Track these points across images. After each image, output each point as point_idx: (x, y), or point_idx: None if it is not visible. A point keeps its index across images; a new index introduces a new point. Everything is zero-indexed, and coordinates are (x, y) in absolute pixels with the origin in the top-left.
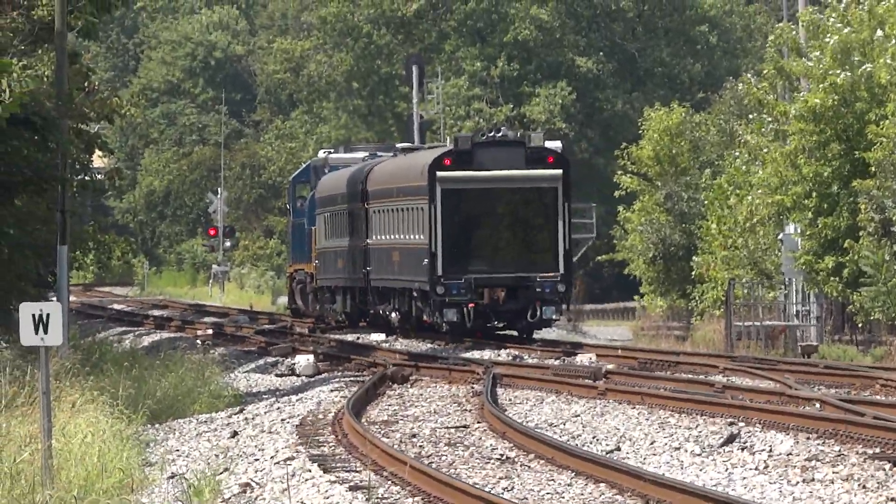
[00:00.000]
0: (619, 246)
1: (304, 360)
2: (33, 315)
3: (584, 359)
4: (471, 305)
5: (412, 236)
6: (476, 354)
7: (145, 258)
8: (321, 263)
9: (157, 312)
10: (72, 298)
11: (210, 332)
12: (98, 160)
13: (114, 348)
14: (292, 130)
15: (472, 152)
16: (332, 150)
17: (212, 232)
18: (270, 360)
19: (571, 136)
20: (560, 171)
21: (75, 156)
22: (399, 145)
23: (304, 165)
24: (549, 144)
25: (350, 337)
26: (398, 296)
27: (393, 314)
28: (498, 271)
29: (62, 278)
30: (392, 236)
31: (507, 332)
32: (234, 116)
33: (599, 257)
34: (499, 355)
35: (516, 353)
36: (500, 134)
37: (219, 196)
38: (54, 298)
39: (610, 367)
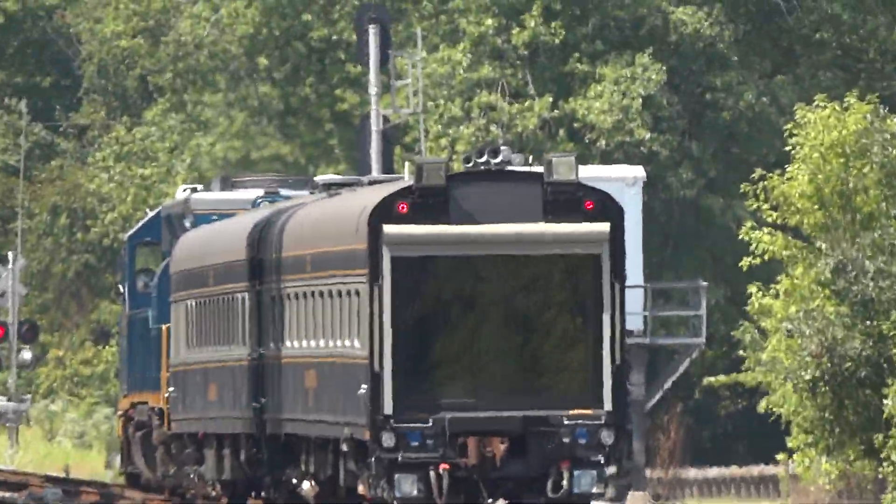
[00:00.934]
0: (750, 361)
1: None
2: None
3: None
4: (444, 468)
5: (340, 343)
6: None
7: None
8: (179, 392)
9: None
10: None
11: None
12: None
13: None
14: (147, 146)
15: (446, 191)
16: (199, 188)
17: None
18: None
19: (664, 155)
20: (606, 227)
21: None
22: (321, 178)
23: (149, 214)
24: (628, 171)
25: None
26: (315, 451)
27: (305, 484)
28: (493, 408)
29: None
30: (305, 343)
31: None
32: (40, 118)
33: (711, 379)
34: None
35: None
36: (497, 159)
37: (10, 266)
38: None
39: None
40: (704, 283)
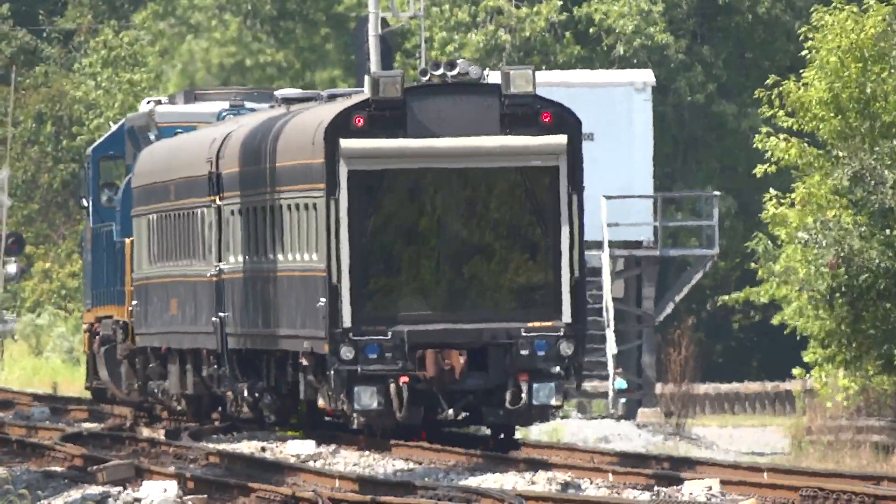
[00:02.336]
0: (764, 272)
1: (158, 494)
2: None
3: (696, 489)
4: (403, 381)
5: (298, 256)
6: (489, 479)
7: None
8: (142, 306)
9: None
10: None
11: None
12: None
13: None
14: (136, 50)
15: (403, 105)
16: (163, 100)
17: None
18: (95, 491)
19: (677, 60)
20: (564, 139)
21: None
22: (280, 92)
23: (112, 128)
24: (636, 75)
25: (248, 446)
26: (275, 365)
27: (266, 397)
28: (452, 320)
29: None
30: (263, 256)
31: (471, 428)
32: (23, 22)
33: (725, 297)
34: (532, 481)
35: (566, 476)
36: (454, 71)
37: None
38: None
39: None
40: (717, 193)
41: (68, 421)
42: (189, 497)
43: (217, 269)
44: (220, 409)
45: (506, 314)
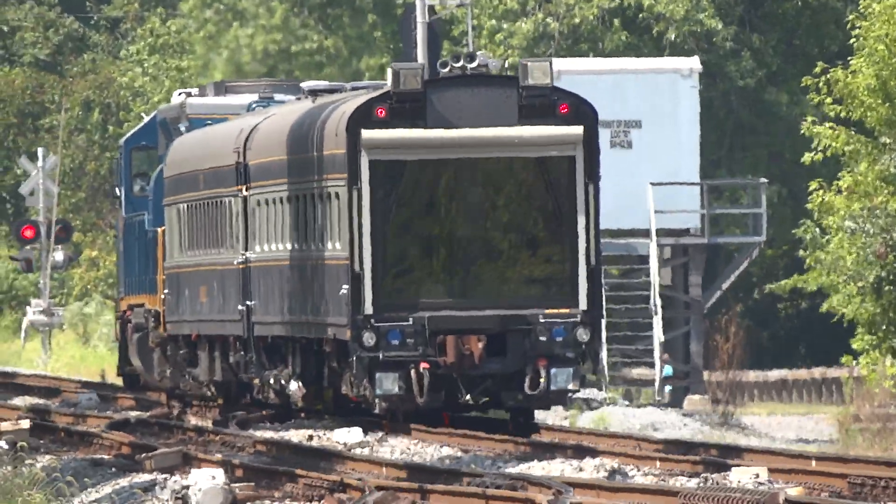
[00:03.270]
0: (811, 260)
1: (206, 481)
2: None
3: (744, 476)
4: (424, 367)
5: (322, 245)
6: (536, 466)
7: None
8: (174, 294)
9: None
10: None
11: (25, 425)
12: None
13: None
14: (182, 38)
15: (423, 96)
16: (193, 92)
17: (27, 233)
18: (142, 479)
19: (727, 47)
20: (580, 130)
21: None
22: (307, 84)
23: (145, 119)
24: (682, 62)
25: (295, 434)
26: (300, 352)
27: (292, 384)
28: (471, 307)
29: None
30: (288, 245)
31: (490, 412)
32: (71, 10)
33: (772, 286)
34: (580, 468)
35: (613, 463)
36: (473, 64)
37: (40, 163)
38: None
39: (794, 492)
40: (764, 180)
41: (116, 409)
42: (237, 485)
43: (244, 257)
44: (248, 395)
45: (524, 301)
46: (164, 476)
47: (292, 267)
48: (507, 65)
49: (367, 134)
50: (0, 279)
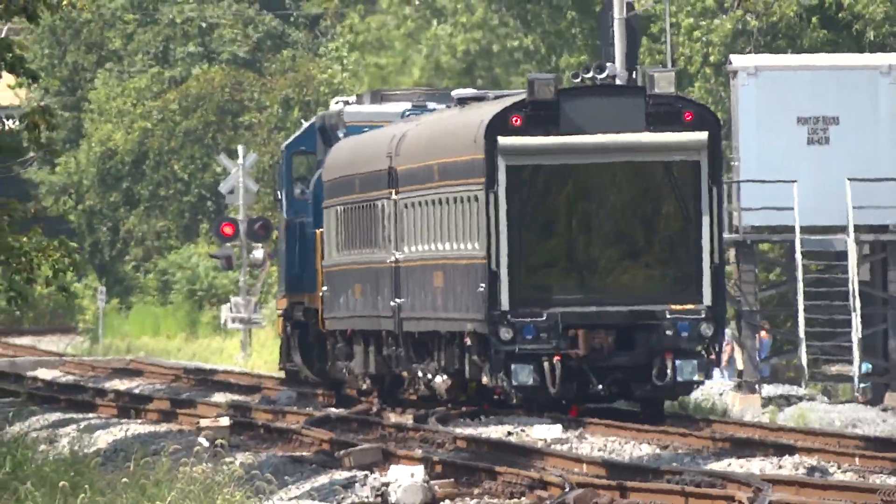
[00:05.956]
0: None
1: (405, 479)
2: None
3: None
4: (557, 359)
5: (462, 245)
6: (734, 463)
7: (99, 281)
8: (330, 291)
9: (122, 385)
10: None
11: (225, 422)
12: (8, 93)
13: (41, 454)
14: (381, 34)
15: (557, 105)
16: (350, 100)
17: (227, 231)
18: (342, 476)
19: None
20: (704, 136)
21: None
22: (456, 93)
23: (304, 126)
24: (881, 59)
25: (494, 430)
26: (445, 346)
27: (438, 378)
28: (602, 303)
29: None
30: (432, 246)
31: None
32: (270, 7)
33: None
34: (779, 465)
35: (812, 461)
36: (603, 74)
37: (240, 161)
38: None
39: None
40: None
41: (315, 405)
42: (436, 481)
43: (394, 257)
44: (401, 388)
45: (651, 297)
46: (363, 473)
47: (435, 266)
48: (710, 61)
49: (503, 141)
50: (200, 277)
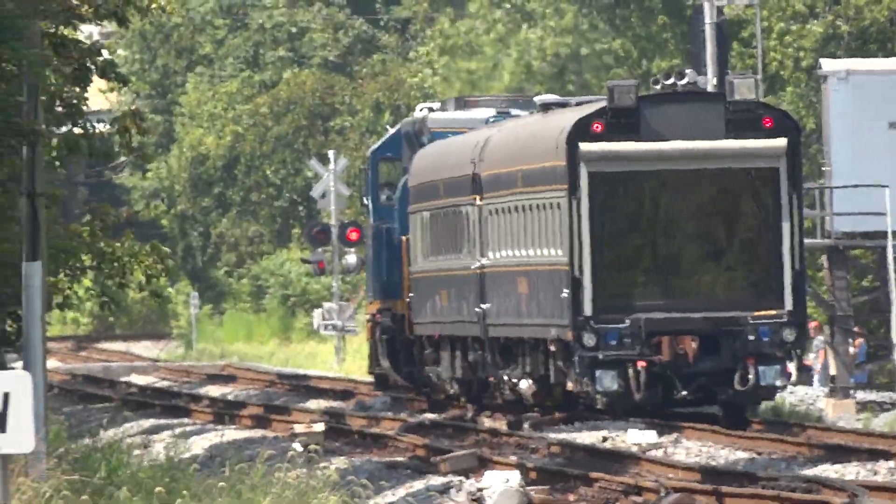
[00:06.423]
0: None
1: (500, 484)
2: None
3: None
4: (641, 365)
5: (545, 251)
6: (829, 469)
7: (192, 286)
8: (417, 297)
9: (216, 391)
10: (53, 364)
11: (319, 427)
12: (100, 97)
13: (134, 460)
14: (470, 38)
15: (637, 112)
16: (434, 107)
17: (319, 236)
18: (437, 481)
19: None
20: (784, 142)
21: (56, 89)
22: (539, 99)
23: (390, 132)
24: None
25: (589, 436)
26: (529, 351)
27: (523, 382)
28: (685, 309)
29: (32, 325)
30: (516, 252)
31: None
32: (360, 11)
33: None
34: (874, 471)
35: None
36: (684, 81)
37: (331, 165)
38: (18, 365)
39: None
40: None
41: (409, 411)
42: (531, 487)
43: (479, 263)
44: (487, 392)
45: (733, 303)
46: (458, 478)
47: (519, 272)
48: (801, 65)
49: (585, 147)
50: (293, 282)
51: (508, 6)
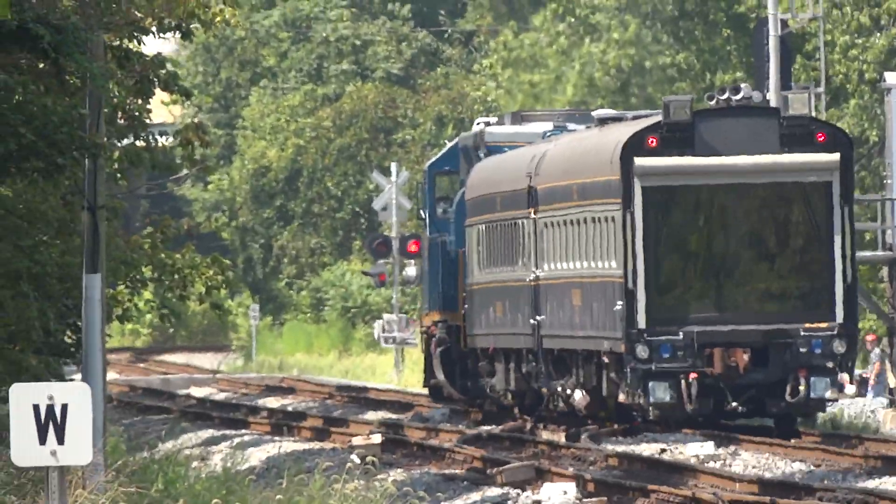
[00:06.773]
0: None
1: (558, 496)
2: (36, 407)
3: None
4: (693, 377)
5: (599, 264)
6: (887, 481)
7: (253, 298)
8: (472, 309)
9: (275, 403)
10: (112, 376)
11: (377, 439)
12: (162, 110)
13: (193, 471)
14: (535, 51)
15: (692, 126)
16: (492, 121)
17: (380, 248)
18: (494, 493)
19: None
20: (837, 157)
21: (119, 101)
22: (597, 113)
23: (447, 146)
24: None
25: (647, 448)
26: (583, 362)
27: (577, 394)
28: (737, 321)
29: (93, 337)
30: (571, 264)
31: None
32: (424, 24)
33: None
34: None
35: None
36: (738, 96)
37: (393, 178)
38: (77, 377)
39: None
40: None
41: (467, 423)
42: (588, 500)
43: (534, 275)
44: (541, 404)
45: (785, 316)
46: (515, 490)
47: (573, 284)
48: (865, 78)
49: (639, 161)
50: (354, 294)
51: (572, 19)
